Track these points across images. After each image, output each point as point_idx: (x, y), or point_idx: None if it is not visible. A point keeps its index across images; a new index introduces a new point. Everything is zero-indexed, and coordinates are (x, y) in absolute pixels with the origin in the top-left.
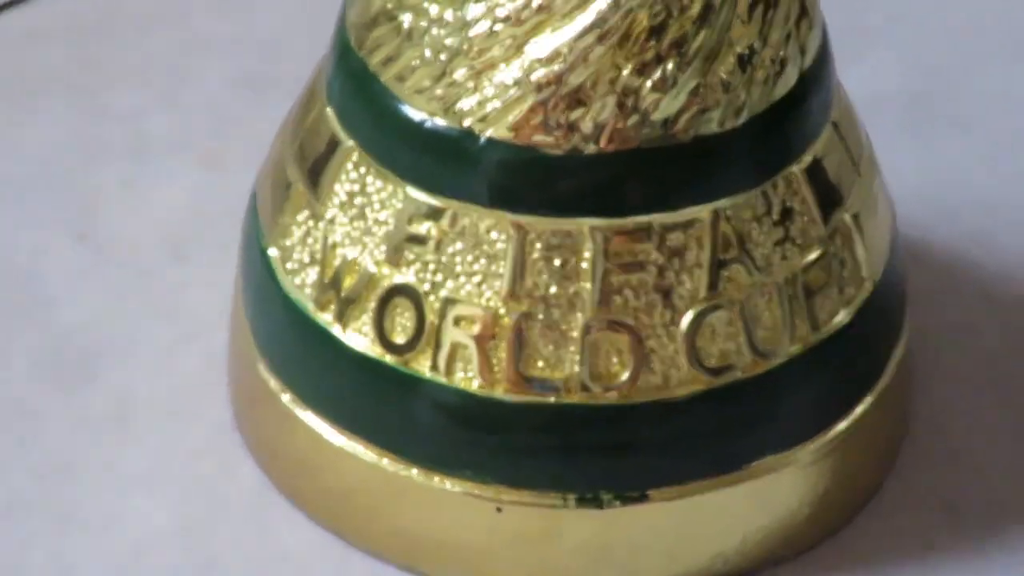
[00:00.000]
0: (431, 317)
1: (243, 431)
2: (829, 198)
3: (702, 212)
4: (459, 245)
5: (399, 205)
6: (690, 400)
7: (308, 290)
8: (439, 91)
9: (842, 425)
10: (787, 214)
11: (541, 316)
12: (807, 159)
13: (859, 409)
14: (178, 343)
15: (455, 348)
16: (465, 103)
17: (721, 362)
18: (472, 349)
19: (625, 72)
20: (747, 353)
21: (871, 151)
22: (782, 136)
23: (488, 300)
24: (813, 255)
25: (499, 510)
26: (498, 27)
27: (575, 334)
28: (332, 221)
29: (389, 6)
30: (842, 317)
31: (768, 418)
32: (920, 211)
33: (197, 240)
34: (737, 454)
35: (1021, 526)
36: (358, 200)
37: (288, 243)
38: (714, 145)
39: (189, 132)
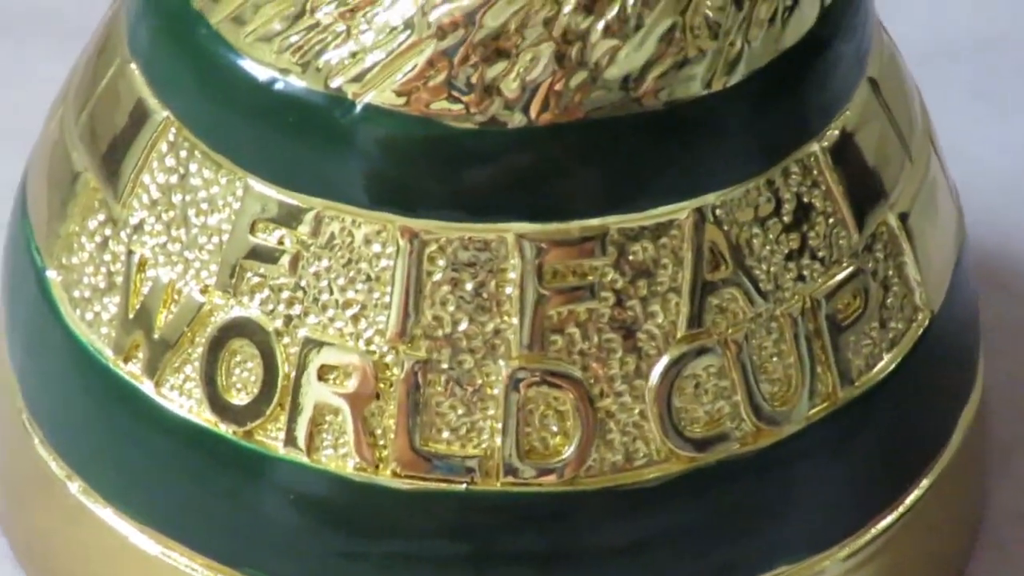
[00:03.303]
0: (285, 368)
1: (11, 538)
2: (865, 191)
3: (680, 212)
4: (325, 263)
5: (237, 205)
6: (665, 487)
7: (105, 329)
8: (295, 38)
9: (887, 520)
10: (804, 214)
11: (446, 365)
12: (832, 134)
13: (912, 496)
14: None
15: (321, 412)
16: (333, 55)
17: (710, 431)
18: (346, 414)
19: (567, 8)
20: (748, 417)
21: (928, 123)
22: (796, 100)
23: (369, 343)
24: (842, 274)
25: None
26: None
27: (496, 391)
28: (139, 228)
29: None
30: (886, 364)
31: (779, 512)
32: (998, 207)
33: None
34: (735, 565)
35: None
36: (177, 197)
37: (75, 261)
38: (697, 114)
39: None
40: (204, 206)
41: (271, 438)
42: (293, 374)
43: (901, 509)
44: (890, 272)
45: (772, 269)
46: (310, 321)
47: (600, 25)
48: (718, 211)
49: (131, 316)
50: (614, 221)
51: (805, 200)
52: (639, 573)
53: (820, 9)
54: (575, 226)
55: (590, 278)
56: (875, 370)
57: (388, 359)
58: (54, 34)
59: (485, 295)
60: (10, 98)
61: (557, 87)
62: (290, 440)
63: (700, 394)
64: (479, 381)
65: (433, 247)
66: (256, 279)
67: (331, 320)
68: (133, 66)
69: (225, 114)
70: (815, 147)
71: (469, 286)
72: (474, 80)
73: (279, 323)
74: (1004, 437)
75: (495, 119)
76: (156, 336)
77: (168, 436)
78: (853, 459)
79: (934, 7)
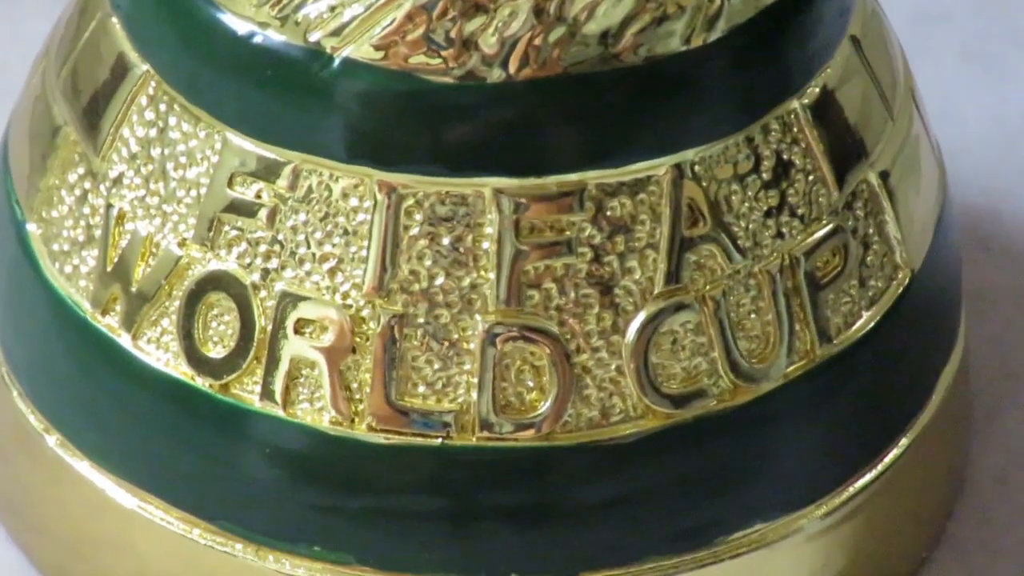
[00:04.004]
0: (262, 321)
1: None
2: (846, 149)
3: (658, 168)
4: (303, 216)
5: (216, 159)
6: (641, 443)
7: (83, 282)
8: None
9: (866, 478)
10: (783, 171)
11: (422, 320)
12: (813, 91)
13: (891, 455)
14: None
15: (297, 366)
16: (311, 9)
17: (687, 387)
18: (322, 368)
19: None
20: (725, 374)
21: (911, 82)
22: (776, 57)
23: (345, 296)
24: (822, 232)
25: None
26: None
27: (472, 346)
28: (118, 182)
29: None
30: (865, 322)
31: (756, 469)
32: (987, 170)
33: None
34: (712, 522)
35: None
36: (156, 151)
37: (54, 215)
38: (676, 70)
39: None
40: (183, 159)
41: (247, 391)
42: (270, 328)
43: (880, 468)
44: (870, 230)
45: (751, 226)
46: (287, 275)
47: None
48: (697, 167)
49: (109, 269)
50: (592, 176)
51: (785, 157)
52: (615, 529)
53: None
54: (553, 181)
55: (567, 233)
56: (854, 328)
57: (364, 313)
58: None
59: (462, 250)
60: (0, 57)
61: (536, 42)
62: (266, 394)
63: (677, 350)
64: (455, 336)
65: (410, 201)
66: (234, 232)
67: (308, 274)
68: (114, 20)
69: (204, 68)
70: (795, 104)
71: (446, 241)
72: (452, 34)
73: (256, 276)
74: (988, 399)
75: (473, 74)
76: (134, 289)
77: (145, 389)
78: (831, 417)
79: None
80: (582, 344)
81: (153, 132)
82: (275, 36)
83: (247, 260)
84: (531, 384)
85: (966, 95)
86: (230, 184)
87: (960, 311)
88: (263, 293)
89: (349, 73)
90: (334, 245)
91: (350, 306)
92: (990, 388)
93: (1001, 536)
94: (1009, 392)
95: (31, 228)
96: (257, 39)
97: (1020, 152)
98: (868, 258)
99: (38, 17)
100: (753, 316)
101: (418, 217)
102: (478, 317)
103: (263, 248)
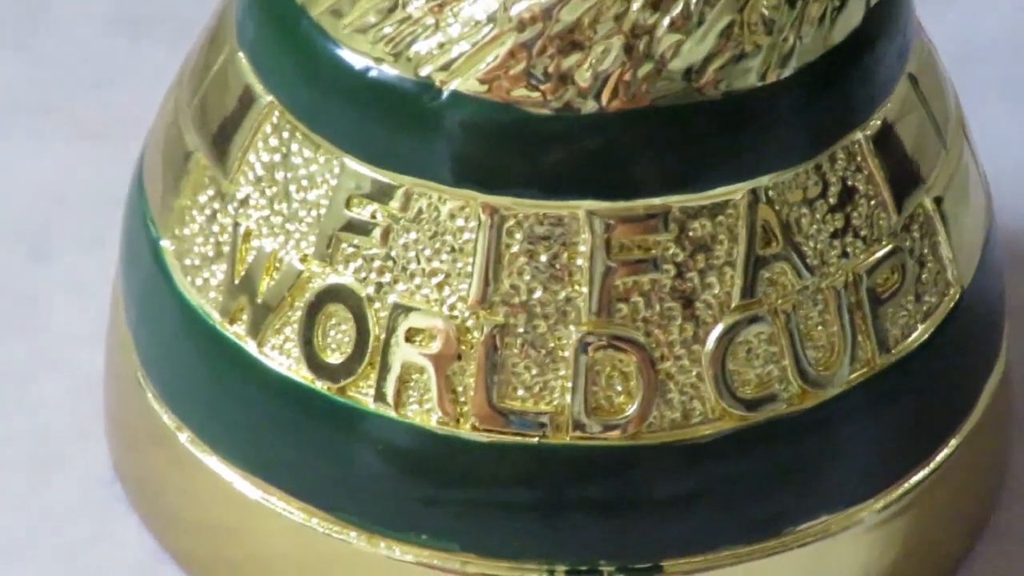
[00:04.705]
0: (376, 330)
1: (126, 483)
2: (904, 176)
3: (736, 193)
4: (413, 235)
5: (334, 182)
6: (718, 442)
7: (213, 294)
8: (388, 29)
9: (919, 475)
10: (848, 196)
11: (522, 329)
12: (875, 124)
13: (941, 454)
14: (36, 367)
15: (408, 371)
16: (422, 45)
17: (760, 392)
18: (430, 373)
19: (635, 5)
20: (794, 380)
21: (961, 116)
22: (842, 93)
23: (452, 308)
24: (882, 251)
25: None
26: None
27: (566, 353)
28: (245, 203)
29: None
30: (920, 334)
31: (821, 466)
32: None
33: (62, 232)
34: (780, 514)
35: None
36: (280, 175)
37: (186, 232)
38: (752, 104)
39: (49, 87)
40: (304, 183)
41: (362, 394)
42: (383, 336)
43: (932, 465)
44: (925, 250)
45: (818, 246)
46: (399, 288)
47: (666, 21)
48: (770, 192)
49: (237, 282)
50: (676, 200)
51: (849, 184)
52: (693, 520)
53: (866, 9)
54: (640, 204)
55: (653, 252)
56: (910, 339)
57: (469, 323)
58: (166, 31)
59: (558, 266)
60: (126, 88)
61: (626, 77)
62: (379, 396)
63: (752, 359)
64: (551, 344)
65: (512, 222)
66: (351, 249)
67: (418, 287)
68: (241, 55)
69: (324, 99)
70: (859, 135)
71: (544, 258)
72: (551, 70)
73: (371, 290)
74: None
75: (569, 105)
76: (259, 301)
77: (269, 391)
78: (889, 420)
79: (973, 10)
80: (666, 352)
81: (277, 157)
82: (389, 70)
83: (363, 275)
84: (619, 388)
85: (1007, 129)
86: (347, 205)
87: (1003, 324)
88: (377, 305)
89: (456, 104)
90: (442, 261)
91: (456, 317)
92: None
93: None
94: None
95: (165, 244)
96: (372, 73)
97: None
98: (923, 276)
99: (160, 53)
100: (820, 328)
101: (518, 236)
102: (572, 327)
103: (377, 264)
